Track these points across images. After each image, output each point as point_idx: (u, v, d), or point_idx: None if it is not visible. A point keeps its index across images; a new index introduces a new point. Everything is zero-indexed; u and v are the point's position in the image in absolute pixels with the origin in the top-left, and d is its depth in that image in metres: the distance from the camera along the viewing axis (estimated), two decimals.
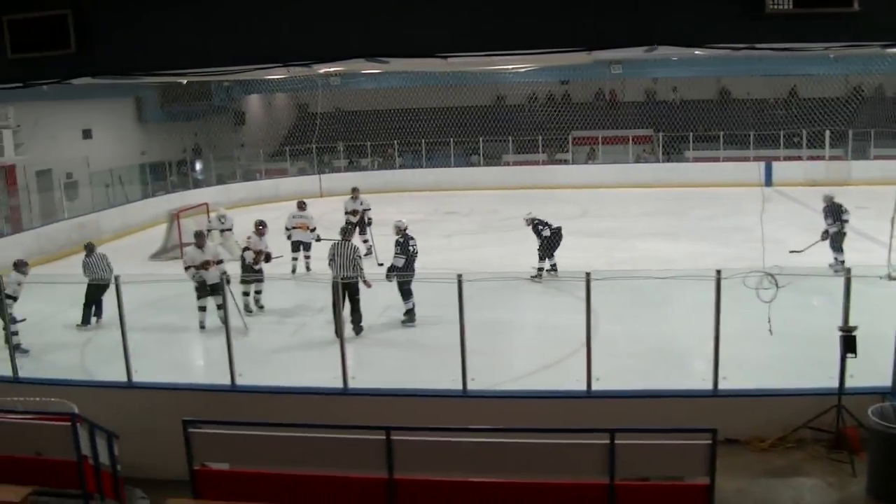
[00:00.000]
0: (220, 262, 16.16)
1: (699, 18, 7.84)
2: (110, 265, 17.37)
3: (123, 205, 30.63)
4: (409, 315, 15.77)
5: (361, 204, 23.37)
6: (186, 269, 15.79)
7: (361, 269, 15.74)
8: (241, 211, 30.49)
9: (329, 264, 15.77)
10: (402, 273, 15.77)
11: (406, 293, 15.75)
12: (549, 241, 19.54)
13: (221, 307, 13.93)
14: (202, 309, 15.76)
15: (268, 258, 16.71)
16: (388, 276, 15.95)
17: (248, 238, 16.90)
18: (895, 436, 8.36)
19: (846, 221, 18.66)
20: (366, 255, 21.42)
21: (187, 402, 10.75)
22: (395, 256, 16.05)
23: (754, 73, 34.65)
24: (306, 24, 8.50)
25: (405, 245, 16.19)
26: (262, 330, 15.05)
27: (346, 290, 14.83)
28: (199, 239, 16.41)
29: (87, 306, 16.76)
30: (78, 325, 16.57)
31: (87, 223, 27.09)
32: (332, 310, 14.57)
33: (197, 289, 15.75)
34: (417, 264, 16.51)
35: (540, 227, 19.62)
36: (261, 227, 17.18)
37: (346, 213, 23.27)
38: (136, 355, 11.54)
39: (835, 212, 18.76)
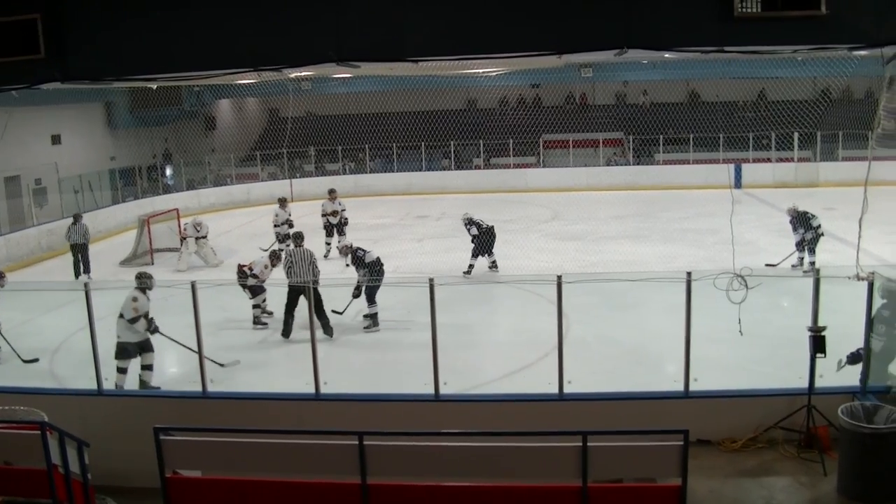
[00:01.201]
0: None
1: (669, 22, 7.89)
2: (87, 233, 22.70)
3: (93, 210, 30.35)
4: (373, 319, 15.84)
5: (340, 205, 23.55)
6: (133, 320, 12.61)
7: (318, 271, 16.03)
8: (212, 216, 30.43)
9: (287, 271, 15.90)
10: (373, 277, 15.84)
11: (371, 297, 15.86)
12: (479, 239, 20.22)
13: (149, 368, 13.16)
14: (123, 371, 12.70)
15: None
16: (354, 294, 16.11)
17: (266, 268, 16.56)
18: (865, 435, 8.43)
19: (819, 227, 18.81)
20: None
21: (158, 410, 10.69)
22: (359, 275, 16.27)
23: (723, 75, 34.95)
24: (277, 28, 8.49)
25: (361, 260, 16.37)
26: (233, 336, 14.95)
27: (304, 295, 14.92)
28: (148, 281, 13.10)
29: (74, 265, 22.29)
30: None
31: (57, 229, 26.84)
32: (304, 315, 14.69)
33: (126, 347, 12.76)
34: (389, 268, 16.56)
35: (468, 227, 20.38)
36: (275, 261, 16.89)
37: (325, 214, 23.55)
38: (107, 362, 11.45)
39: (803, 221, 18.90)
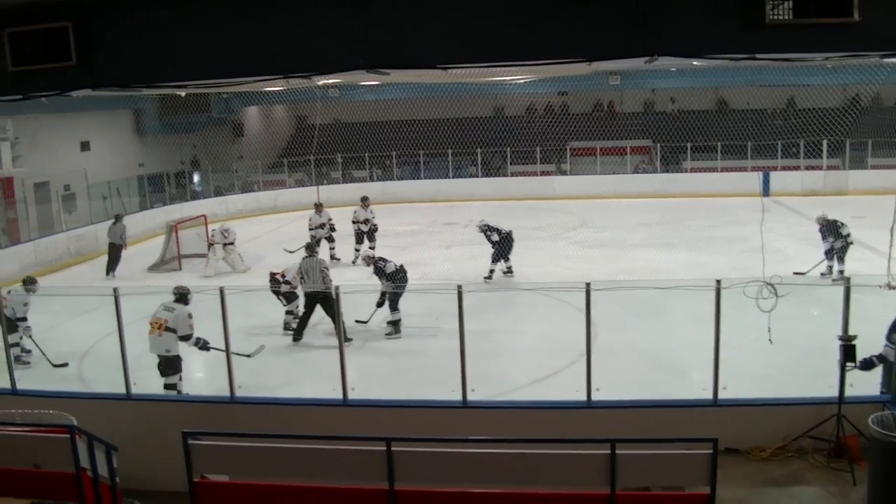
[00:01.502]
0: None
1: (700, 29, 7.87)
2: (125, 235, 24.28)
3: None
4: (395, 326, 15.96)
5: (371, 212, 23.80)
6: (188, 336, 12.45)
7: (331, 280, 15.89)
8: (240, 223, 30.55)
9: (300, 281, 16.18)
10: (396, 284, 15.91)
11: (394, 304, 16.01)
12: (500, 245, 20.43)
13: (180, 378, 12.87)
14: (173, 387, 12.54)
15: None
16: (378, 303, 16.32)
17: (297, 274, 16.53)
18: (895, 445, 8.36)
19: (848, 235, 18.70)
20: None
21: (186, 414, 10.73)
22: (383, 284, 16.32)
23: (752, 83, 34.68)
24: (306, 35, 8.52)
25: (382, 271, 16.42)
26: (259, 342, 14.97)
27: (320, 303, 15.52)
28: (189, 295, 12.90)
29: (108, 262, 23.76)
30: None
31: (85, 235, 27.12)
32: (329, 322, 14.93)
33: (175, 361, 12.60)
34: (416, 275, 16.62)
35: (489, 233, 20.60)
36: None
37: (357, 221, 23.86)
38: (135, 367, 11.49)
39: (832, 229, 18.80)
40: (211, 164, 37.95)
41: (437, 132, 34.13)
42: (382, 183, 39.42)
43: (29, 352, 15.09)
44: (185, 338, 12.45)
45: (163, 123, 36.52)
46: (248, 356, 13.26)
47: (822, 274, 18.78)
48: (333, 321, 15.03)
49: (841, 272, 18.23)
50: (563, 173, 39.76)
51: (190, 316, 12.55)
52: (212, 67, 9.02)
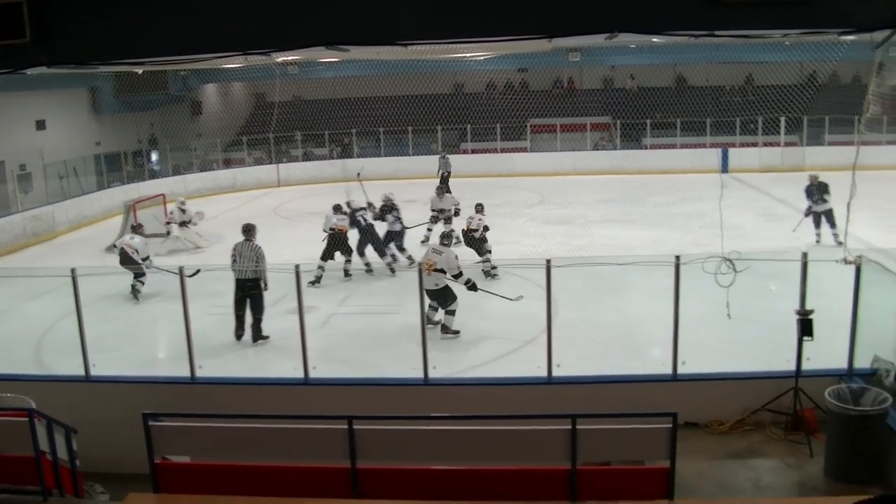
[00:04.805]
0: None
1: (660, 5, 7.87)
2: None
3: (78, 196, 30.21)
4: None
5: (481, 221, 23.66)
6: (456, 277, 14.15)
7: (264, 267, 14.70)
8: (198, 202, 30.27)
9: (231, 265, 14.86)
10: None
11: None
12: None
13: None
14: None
15: None
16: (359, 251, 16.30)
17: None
18: (851, 417, 8.49)
19: (823, 205, 18.96)
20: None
21: (147, 396, 10.66)
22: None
23: (711, 60, 34.82)
24: (265, 11, 8.44)
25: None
26: (219, 322, 14.85)
27: (249, 291, 14.40)
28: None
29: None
30: None
31: (42, 215, 26.76)
32: (292, 300, 14.68)
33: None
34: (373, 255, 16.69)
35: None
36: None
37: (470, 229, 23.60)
38: (94, 349, 11.40)
39: (816, 192, 19.15)
40: (169, 143, 37.55)
41: (396, 109, 34.06)
42: (342, 160, 39.14)
43: None
44: (457, 276, 13.99)
45: (119, 101, 36.02)
46: (513, 300, 14.14)
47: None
48: (252, 312, 14.35)
49: (835, 236, 18.35)
50: (531, 150, 39.70)
51: (457, 257, 14.23)
52: (169, 44, 8.91)
